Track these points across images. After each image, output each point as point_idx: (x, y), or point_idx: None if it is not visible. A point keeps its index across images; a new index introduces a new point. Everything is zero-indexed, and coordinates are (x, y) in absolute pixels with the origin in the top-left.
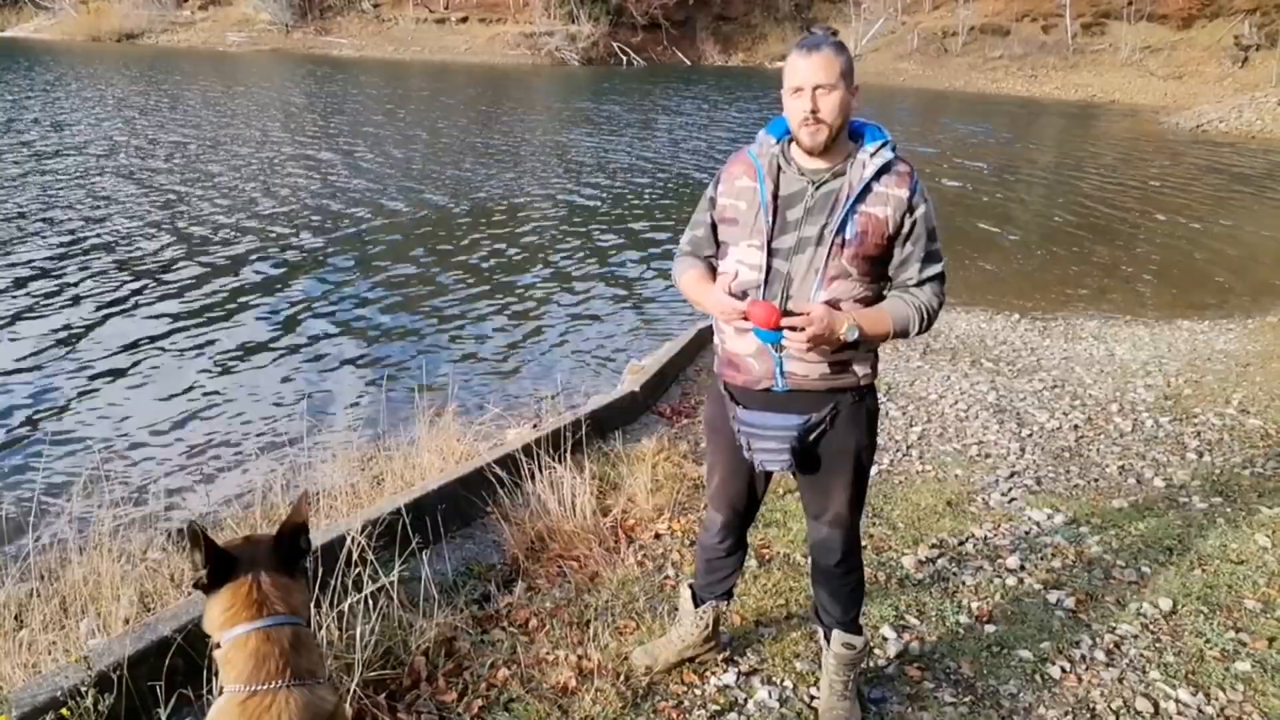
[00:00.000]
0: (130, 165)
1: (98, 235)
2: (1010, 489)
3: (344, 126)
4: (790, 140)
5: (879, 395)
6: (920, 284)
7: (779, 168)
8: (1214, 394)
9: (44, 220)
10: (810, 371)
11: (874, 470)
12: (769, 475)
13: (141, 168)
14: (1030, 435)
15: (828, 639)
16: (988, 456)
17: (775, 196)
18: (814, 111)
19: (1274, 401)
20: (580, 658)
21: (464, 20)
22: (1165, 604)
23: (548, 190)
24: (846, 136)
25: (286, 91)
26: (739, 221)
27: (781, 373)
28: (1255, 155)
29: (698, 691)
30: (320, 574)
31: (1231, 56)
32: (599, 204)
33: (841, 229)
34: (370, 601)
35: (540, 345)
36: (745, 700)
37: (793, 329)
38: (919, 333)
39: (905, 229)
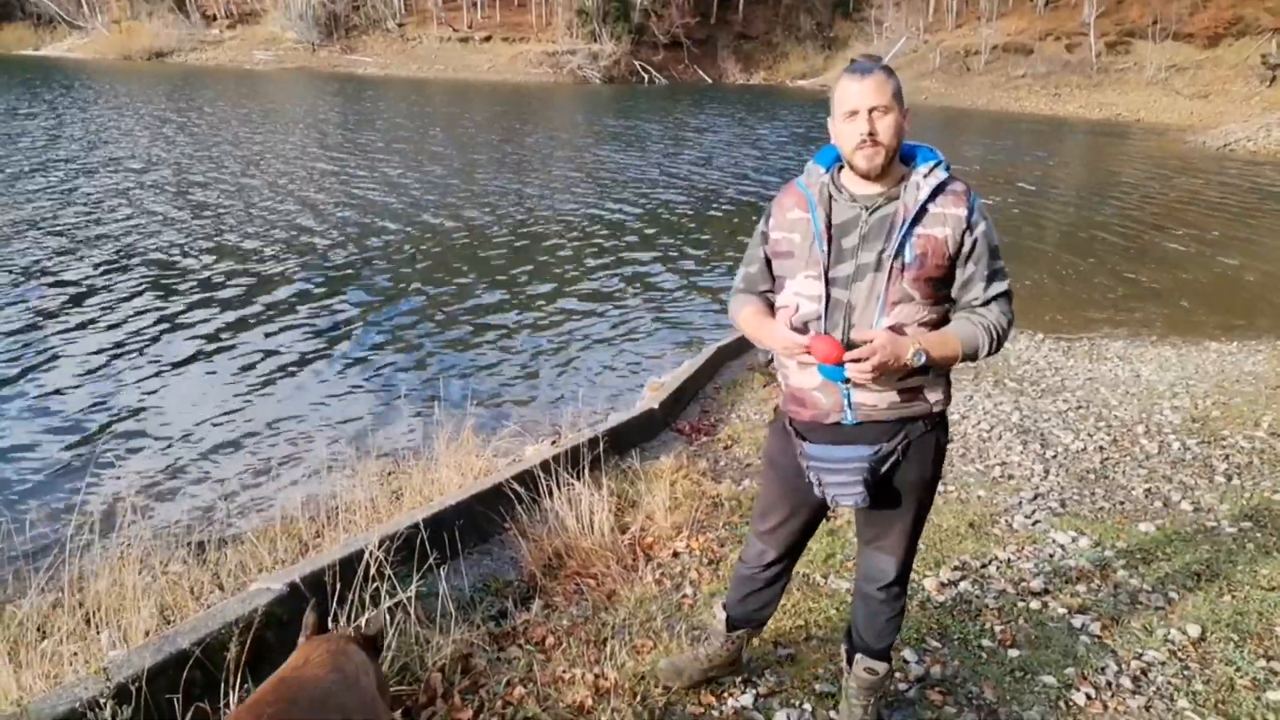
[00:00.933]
0: (167, 181)
1: (131, 252)
2: (1034, 511)
3: (372, 144)
4: (840, 168)
5: None
6: (986, 303)
7: (830, 196)
8: (1243, 416)
9: (79, 237)
10: (880, 401)
11: None
12: (828, 514)
13: (177, 183)
14: (1054, 457)
15: (850, 661)
16: (1011, 478)
17: (829, 225)
18: (871, 134)
19: None
20: (597, 676)
21: (487, 39)
22: (1194, 630)
23: (569, 207)
24: (899, 160)
25: (315, 109)
26: (794, 254)
27: (850, 404)
28: None
29: (715, 713)
30: (339, 588)
31: (1259, 75)
32: (621, 221)
33: (900, 253)
34: (388, 617)
35: (560, 361)
36: None
37: (857, 360)
38: (990, 353)
39: (966, 248)
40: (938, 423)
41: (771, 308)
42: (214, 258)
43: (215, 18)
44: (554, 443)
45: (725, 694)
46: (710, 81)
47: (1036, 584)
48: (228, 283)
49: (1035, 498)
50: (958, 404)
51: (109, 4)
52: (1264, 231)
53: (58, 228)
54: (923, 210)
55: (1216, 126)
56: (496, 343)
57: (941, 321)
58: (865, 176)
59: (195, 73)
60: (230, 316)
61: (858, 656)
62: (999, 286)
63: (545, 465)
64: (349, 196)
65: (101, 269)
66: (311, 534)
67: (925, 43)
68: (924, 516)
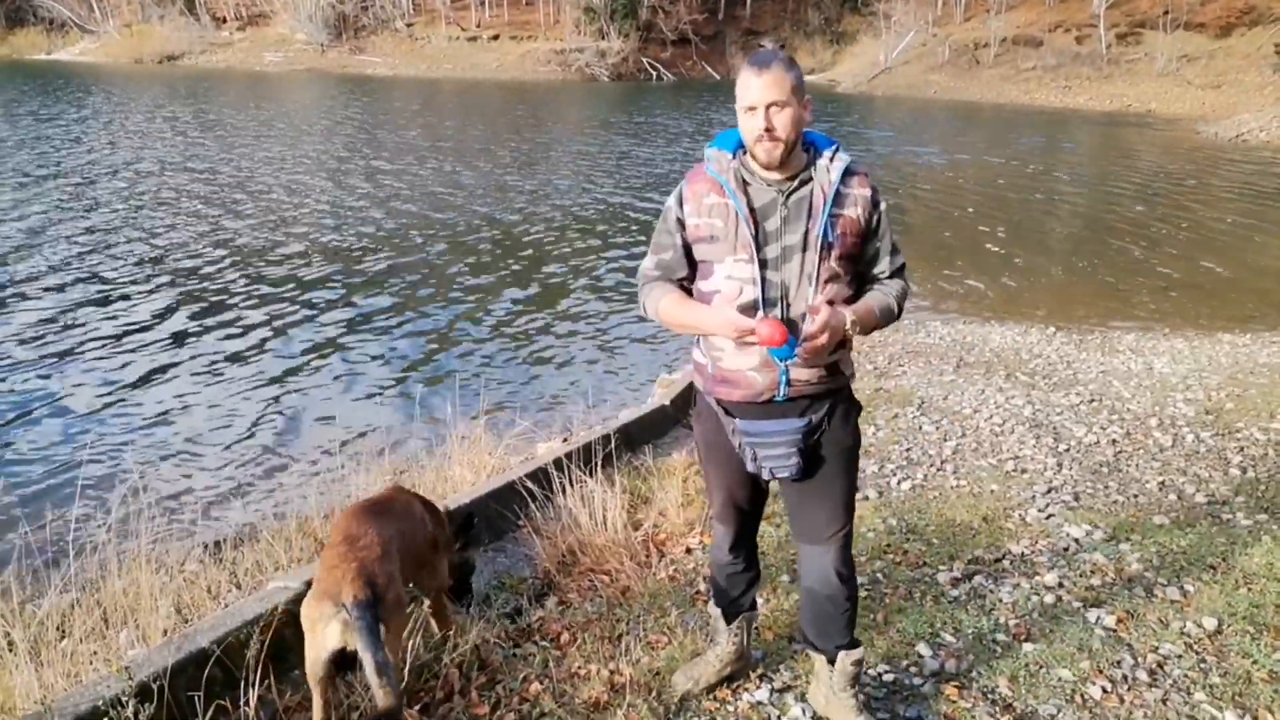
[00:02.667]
0: (181, 182)
1: (150, 255)
2: (1047, 505)
3: (386, 144)
4: (745, 152)
5: (910, 409)
6: (891, 275)
7: (744, 180)
8: (1257, 408)
9: (98, 240)
10: (811, 376)
11: (908, 485)
12: (767, 486)
13: (192, 184)
14: (1067, 450)
15: (832, 661)
16: (1024, 472)
17: (750, 208)
18: (768, 129)
19: None
20: (612, 672)
21: (495, 38)
22: (1210, 623)
23: (582, 204)
24: (800, 148)
25: (326, 110)
26: (718, 238)
27: (786, 383)
28: None
29: (730, 708)
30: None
31: (1272, 65)
32: (631, 217)
33: (824, 233)
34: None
35: (571, 359)
36: (779, 717)
37: (810, 338)
38: (894, 320)
39: (874, 225)
40: (850, 395)
41: (689, 295)
42: (229, 261)
43: (225, 20)
44: (566, 440)
45: (740, 689)
46: (718, 78)
47: (1050, 578)
48: (242, 284)
49: (1049, 491)
50: (969, 398)
51: (120, 8)
52: (1276, 222)
53: (77, 231)
54: (837, 192)
55: (1229, 116)
56: (509, 341)
57: (856, 297)
58: (766, 167)
59: (206, 75)
60: (246, 318)
61: (841, 654)
62: (899, 259)
63: (558, 463)
64: (365, 198)
65: (119, 271)
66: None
67: (934, 36)
68: (854, 494)
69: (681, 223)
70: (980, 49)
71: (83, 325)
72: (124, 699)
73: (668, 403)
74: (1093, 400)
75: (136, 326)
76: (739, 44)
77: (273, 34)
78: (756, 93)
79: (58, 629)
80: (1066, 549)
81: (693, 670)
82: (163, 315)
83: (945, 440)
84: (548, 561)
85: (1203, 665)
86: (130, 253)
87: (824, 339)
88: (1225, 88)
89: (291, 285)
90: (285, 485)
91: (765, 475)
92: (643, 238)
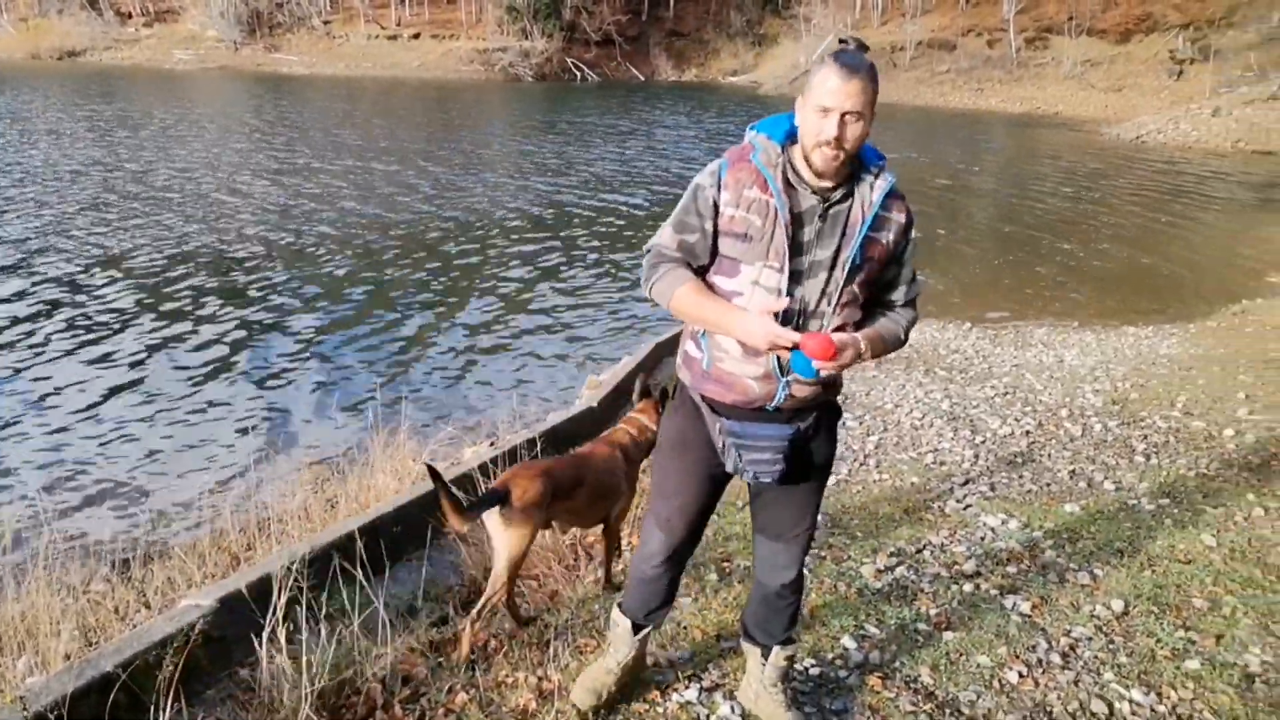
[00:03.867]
0: (84, 187)
1: (41, 258)
2: (965, 495)
3: (299, 145)
4: (792, 144)
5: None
6: (905, 304)
7: (789, 181)
8: (1159, 398)
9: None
10: (808, 392)
11: (833, 480)
12: (713, 505)
13: (92, 191)
14: (984, 442)
15: (766, 655)
16: (943, 464)
17: (792, 214)
18: (838, 138)
19: (1216, 404)
20: (540, 679)
21: (416, 36)
22: (1118, 605)
23: (500, 206)
24: None
25: (241, 110)
26: (752, 238)
27: (787, 395)
28: (1192, 164)
29: (660, 709)
30: (274, 600)
31: (1167, 70)
32: (553, 219)
33: (855, 256)
34: (328, 628)
35: (496, 361)
36: (708, 716)
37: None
38: (899, 350)
39: (901, 252)
40: (836, 405)
41: (712, 294)
42: (128, 265)
43: (131, 15)
44: (492, 444)
45: (670, 689)
46: (643, 79)
47: (969, 566)
48: (143, 289)
49: (966, 483)
50: (890, 393)
51: (15, 1)
52: (1174, 220)
53: None
54: (875, 215)
55: (1130, 119)
56: (431, 343)
57: (864, 321)
58: (817, 174)
59: (110, 73)
60: (155, 327)
61: (775, 649)
62: (916, 289)
63: (484, 467)
64: (272, 199)
65: (7, 276)
66: (243, 546)
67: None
68: (820, 496)
69: (717, 207)
70: (897, 52)
71: None
72: None
73: (595, 404)
74: (1007, 393)
75: (34, 334)
76: (662, 45)
77: (182, 31)
78: (837, 97)
79: None
80: (984, 538)
81: (592, 682)
82: (64, 324)
83: (868, 435)
84: (474, 569)
85: (1111, 646)
86: (18, 258)
87: (847, 357)
88: (1126, 91)
89: (203, 293)
90: (198, 498)
91: (747, 478)
92: (570, 236)
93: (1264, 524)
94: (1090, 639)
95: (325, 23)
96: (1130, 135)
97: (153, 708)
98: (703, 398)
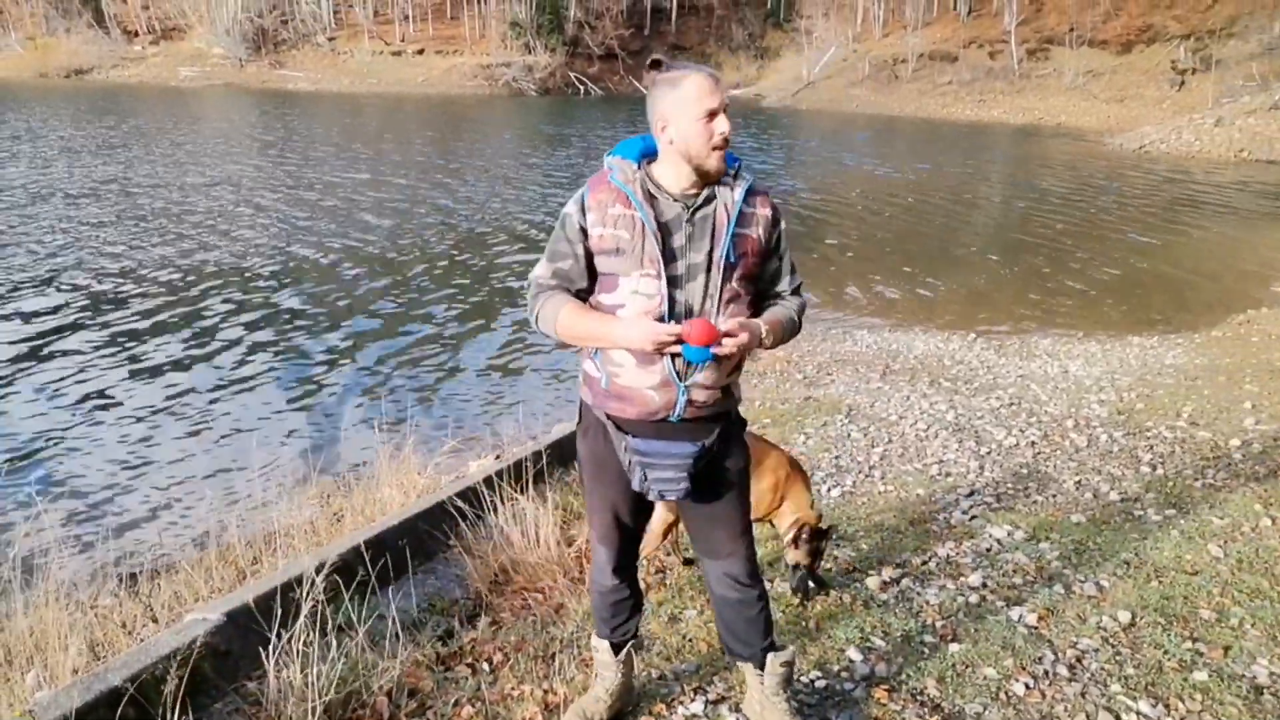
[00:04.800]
0: (96, 203)
1: (51, 274)
2: (971, 507)
3: (309, 160)
4: (649, 163)
5: (839, 416)
6: (792, 293)
7: (650, 193)
8: (1165, 408)
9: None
10: (708, 398)
11: (838, 492)
12: (652, 505)
13: (104, 206)
14: (989, 453)
15: (760, 667)
16: (948, 475)
17: (658, 223)
18: (725, 135)
19: (1222, 414)
20: (546, 692)
21: (420, 52)
22: (1124, 616)
23: (506, 221)
24: None
25: (250, 126)
26: (624, 251)
27: (684, 402)
28: (1195, 174)
29: None
30: (280, 614)
31: (1169, 80)
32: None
33: (727, 254)
34: (335, 642)
35: (501, 375)
36: None
37: (730, 334)
38: (795, 335)
39: (773, 244)
40: (738, 415)
41: (592, 310)
42: (139, 280)
43: (137, 33)
44: (497, 457)
45: (675, 701)
46: (645, 92)
47: (975, 578)
48: (153, 306)
49: (971, 494)
50: (895, 405)
51: (23, 20)
52: (1178, 229)
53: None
54: (740, 212)
55: (1132, 129)
56: (435, 357)
57: (756, 315)
58: (706, 176)
59: (118, 91)
60: (160, 341)
61: (769, 657)
62: (797, 279)
63: (489, 481)
64: (278, 215)
65: (22, 292)
66: (249, 560)
67: (854, 52)
68: (746, 507)
69: (585, 231)
70: (899, 64)
71: None
72: None
73: None
74: (1012, 404)
75: (39, 349)
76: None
77: (188, 48)
78: (716, 97)
79: None
80: (989, 549)
81: (585, 710)
82: (69, 338)
83: (873, 446)
84: (479, 582)
85: (1118, 658)
86: (31, 272)
87: (742, 338)
88: (1128, 101)
89: (211, 311)
90: (205, 513)
91: (652, 496)
92: None
93: (1271, 534)
94: (1097, 650)
95: (330, 39)
96: (1133, 145)
97: None
98: (607, 416)
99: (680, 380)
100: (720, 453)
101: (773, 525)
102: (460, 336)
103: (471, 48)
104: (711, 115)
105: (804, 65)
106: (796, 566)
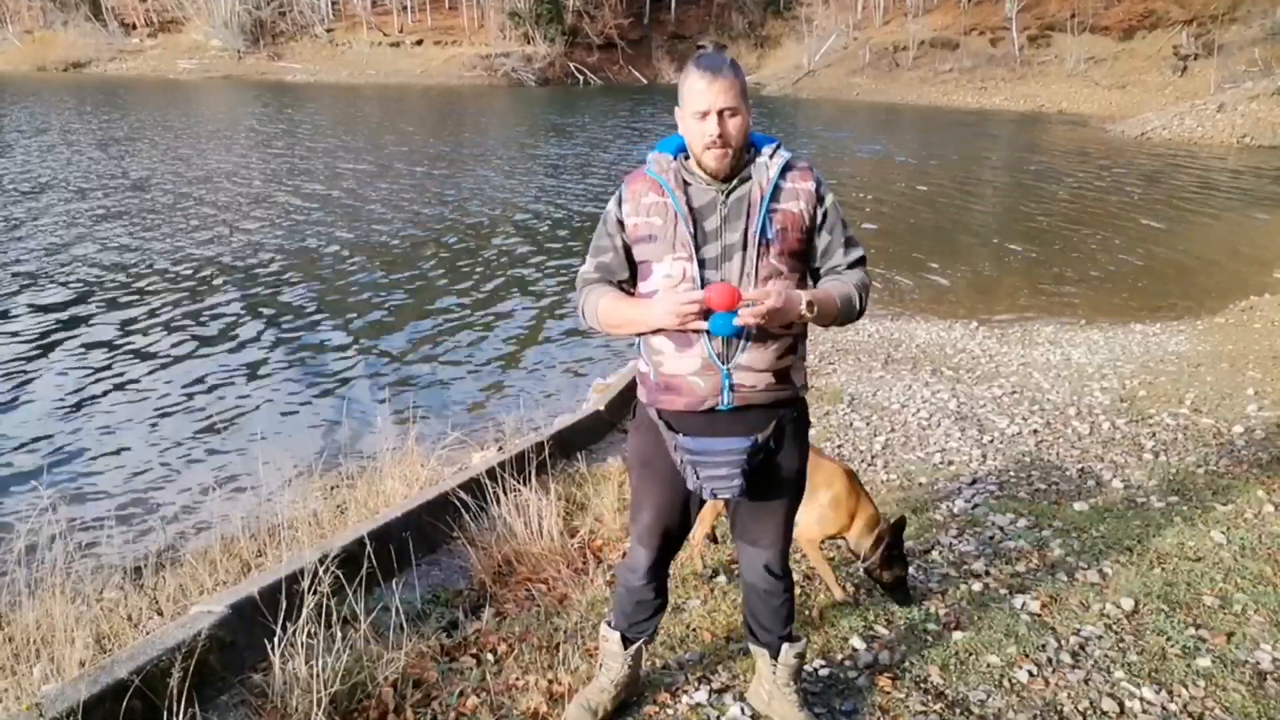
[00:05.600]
0: (99, 196)
1: (52, 269)
2: (974, 495)
3: (311, 151)
4: (686, 156)
5: (841, 405)
6: (850, 267)
7: (684, 180)
8: (1167, 395)
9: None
10: (758, 382)
11: None
12: (700, 505)
13: (107, 199)
14: (991, 441)
15: (775, 655)
16: (951, 464)
17: (690, 208)
18: (721, 135)
19: (1225, 400)
20: (551, 682)
21: (419, 43)
22: (1127, 604)
23: (508, 211)
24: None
25: (249, 118)
26: (657, 237)
27: (730, 388)
28: (1197, 160)
29: (670, 711)
30: (285, 606)
31: (1171, 66)
32: (560, 222)
33: (763, 230)
34: (340, 633)
35: (504, 366)
36: (718, 717)
37: (753, 300)
38: (859, 313)
39: (819, 219)
40: (803, 410)
41: (631, 297)
42: (140, 274)
43: (135, 26)
44: (500, 449)
45: (679, 691)
46: (645, 81)
47: (978, 566)
48: (156, 298)
49: (974, 482)
50: (897, 394)
51: (20, 14)
52: (1181, 216)
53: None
54: (776, 188)
55: (1134, 115)
56: (437, 349)
57: None
58: (714, 175)
59: (116, 84)
60: (164, 334)
61: (784, 647)
62: (856, 252)
63: (491, 472)
64: (281, 208)
65: (26, 285)
66: (253, 553)
67: (855, 40)
68: (796, 504)
69: (621, 223)
70: (900, 52)
71: None
72: None
73: (602, 408)
74: (1014, 392)
75: (44, 343)
76: (664, 48)
77: (186, 41)
78: (708, 98)
79: None
80: (992, 537)
81: (589, 701)
82: (74, 331)
83: (875, 435)
84: (483, 573)
85: (1121, 645)
86: (33, 267)
87: (769, 304)
88: (1129, 88)
89: (214, 304)
90: (208, 506)
91: (706, 495)
92: (575, 241)
93: (1274, 520)
94: (1100, 637)
95: (328, 31)
96: (1135, 132)
97: (166, 713)
98: (659, 413)
99: (722, 363)
100: (777, 448)
101: (843, 542)
102: (463, 328)
103: (470, 38)
104: (702, 116)
105: (804, 53)
106: (895, 580)
